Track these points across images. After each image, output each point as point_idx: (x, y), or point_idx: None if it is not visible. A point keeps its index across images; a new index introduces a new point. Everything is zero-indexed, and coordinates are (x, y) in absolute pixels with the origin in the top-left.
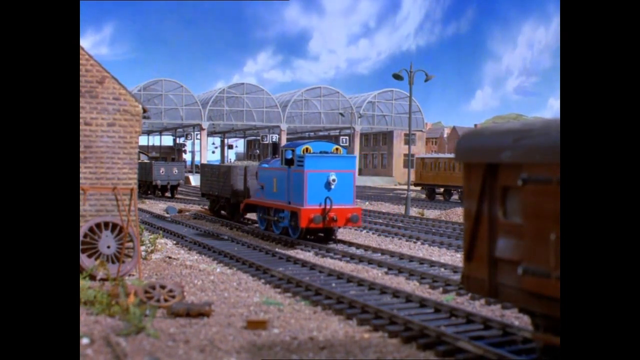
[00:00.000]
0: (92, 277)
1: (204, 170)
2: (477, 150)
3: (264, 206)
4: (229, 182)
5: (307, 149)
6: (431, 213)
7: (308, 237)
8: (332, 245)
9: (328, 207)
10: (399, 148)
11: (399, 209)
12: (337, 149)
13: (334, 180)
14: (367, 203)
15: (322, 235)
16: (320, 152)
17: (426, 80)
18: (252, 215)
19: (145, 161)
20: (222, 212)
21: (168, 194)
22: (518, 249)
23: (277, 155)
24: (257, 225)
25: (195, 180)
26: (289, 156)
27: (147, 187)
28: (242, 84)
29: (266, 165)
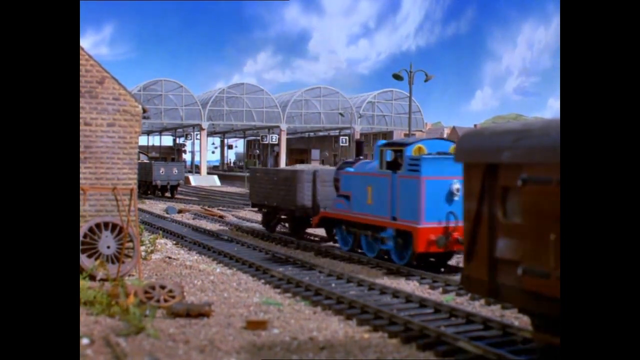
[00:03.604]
0: (92, 278)
1: (256, 175)
2: (477, 150)
3: (351, 221)
4: (294, 191)
5: (420, 148)
6: None
7: (415, 263)
8: (332, 246)
9: (452, 225)
10: None
11: None
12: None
13: (458, 190)
14: None
15: (432, 260)
16: (437, 153)
17: (426, 81)
18: (314, 230)
19: (145, 161)
20: (284, 225)
21: (168, 194)
22: (518, 249)
23: (361, 157)
24: (314, 238)
25: (195, 180)
26: (391, 158)
27: (147, 187)
28: (242, 84)
29: (352, 170)
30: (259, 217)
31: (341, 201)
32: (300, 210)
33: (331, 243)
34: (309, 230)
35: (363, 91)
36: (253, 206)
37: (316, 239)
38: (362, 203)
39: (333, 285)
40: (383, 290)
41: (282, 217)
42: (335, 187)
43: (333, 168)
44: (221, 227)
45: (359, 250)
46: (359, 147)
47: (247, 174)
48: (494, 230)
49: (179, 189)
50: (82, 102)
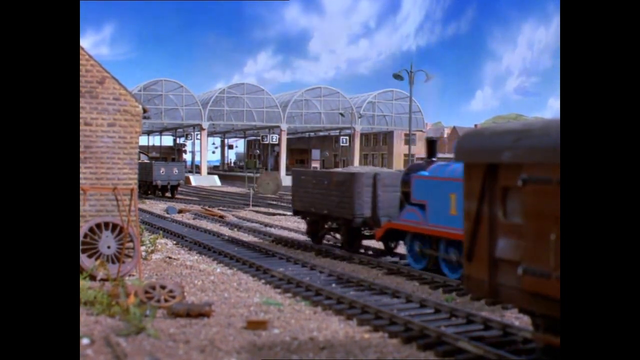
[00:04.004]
0: (92, 278)
1: (300, 178)
2: (477, 150)
3: (428, 235)
4: (351, 197)
5: None
6: None
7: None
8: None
9: None
10: (399, 148)
11: None
12: None
13: None
14: None
15: None
16: None
17: (426, 81)
18: (369, 242)
19: (146, 161)
20: (334, 236)
21: (168, 194)
22: (518, 249)
23: (434, 159)
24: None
25: (195, 180)
26: None
27: (147, 187)
28: (242, 84)
29: (426, 173)
30: (259, 217)
31: (413, 210)
32: (358, 219)
33: (394, 259)
34: (368, 243)
35: (363, 91)
36: (295, 214)
37: (369, 252)
38: (443, 214)
39: (333, 285)
40: (383, 290)
41: (333, 227)
42: (403, 194)
43: (393, 170)
44: (221, 227)
45: (435, 267)
46: (432, 146)
47: (291, 176)
48: (494, 231)
49: (179, 189)
50: (83, 102)
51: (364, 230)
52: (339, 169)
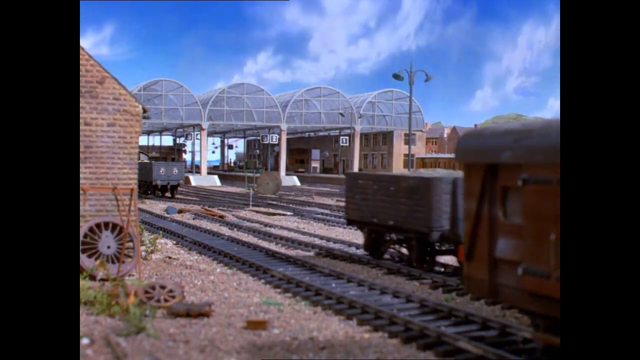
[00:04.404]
0: (92, 278)
1: (357, 183)
2: (477, 150)
3: None
4: (427, 206)
5: None
6: None
7: None
8: (331, 245)
9: None
10: (399, 148)
11: None
12: None
13: None
14: None
15: None
16: None
17: (426, 81)
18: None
19: (145, 161)
20: (399, 251)
21: (168, 194)
22: (518, 249)
23: None
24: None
25: (195, 180)
26: None
27: (147, 187)
28: (242, 84)
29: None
30: (259, 217)
31: None
32: (436, 233)
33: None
34: (439, 259)
35: (363, 91)
36: (350, 223)
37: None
38: None
39: (333, 285)
40: (383, 290)
41: (400, 239)
42: None
43: None
44: (221, 227)
45: None
46: None
47: (345, 180)
48: (494, 231)
49: (179, 189)
50: (82, 102)
51: (438, 245)
52: (408, 173)
